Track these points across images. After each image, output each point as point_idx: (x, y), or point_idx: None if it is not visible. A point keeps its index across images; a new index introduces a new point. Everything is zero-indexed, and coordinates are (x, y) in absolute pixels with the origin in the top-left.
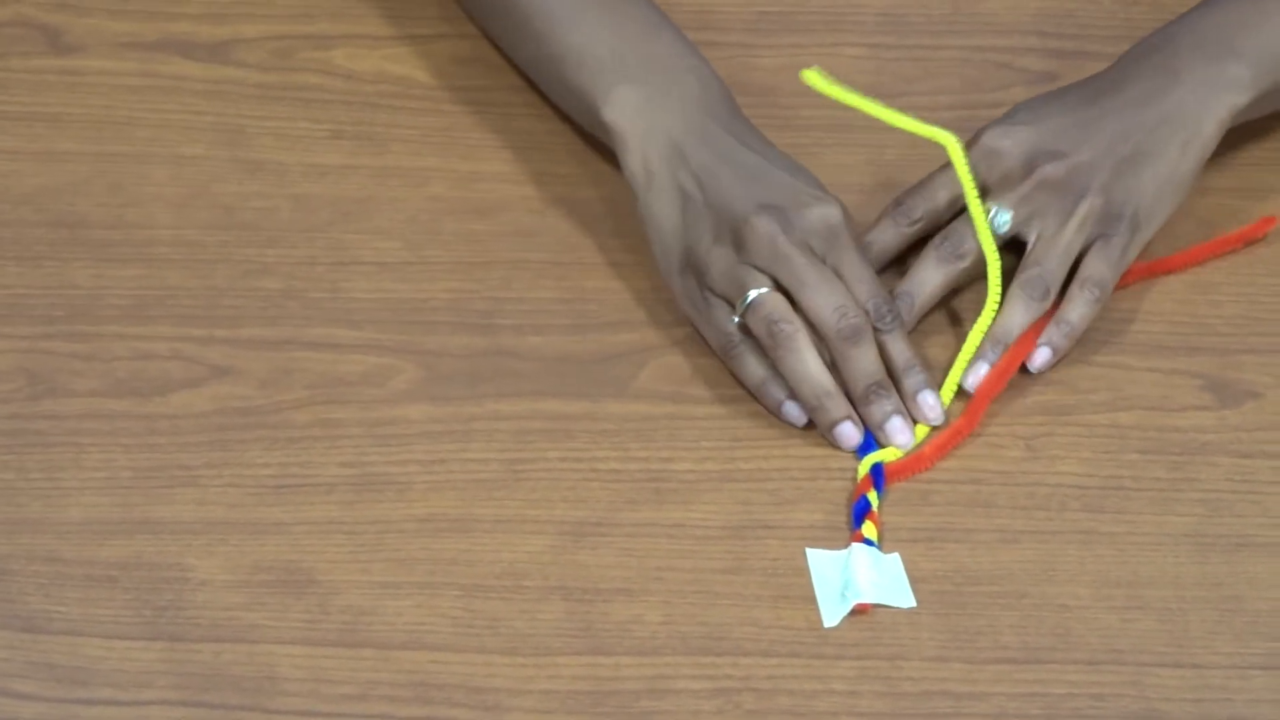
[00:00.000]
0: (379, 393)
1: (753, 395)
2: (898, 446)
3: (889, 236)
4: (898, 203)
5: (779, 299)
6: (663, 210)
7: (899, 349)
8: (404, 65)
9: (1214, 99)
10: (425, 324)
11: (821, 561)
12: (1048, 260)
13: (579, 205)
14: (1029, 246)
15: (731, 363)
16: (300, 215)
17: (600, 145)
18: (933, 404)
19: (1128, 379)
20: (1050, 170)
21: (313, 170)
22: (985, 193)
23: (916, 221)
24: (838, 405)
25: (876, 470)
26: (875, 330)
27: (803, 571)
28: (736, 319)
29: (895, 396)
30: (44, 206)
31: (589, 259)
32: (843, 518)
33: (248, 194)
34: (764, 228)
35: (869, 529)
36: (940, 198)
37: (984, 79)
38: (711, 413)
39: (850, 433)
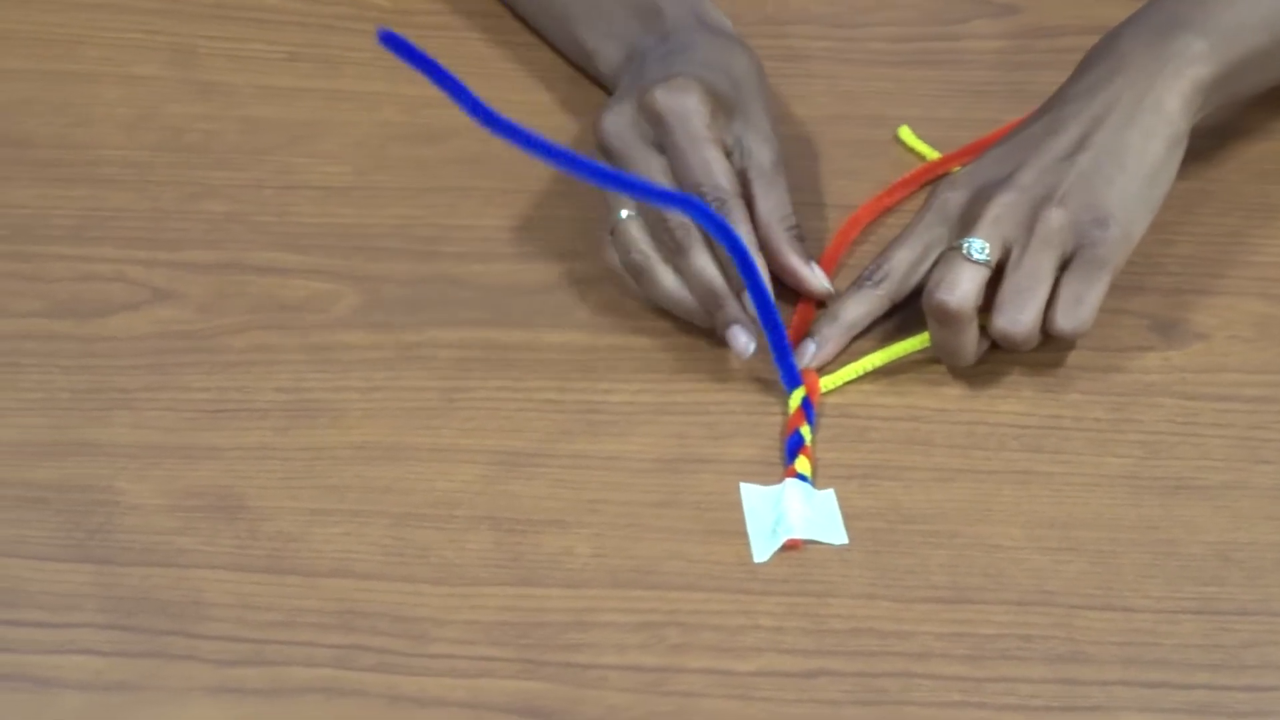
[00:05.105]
0: (320, 318)
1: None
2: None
3: (862, 304)
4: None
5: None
6: None
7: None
8: None
9: (1169, 74)
10: (370, 250)
11: (754, 496)
12: (1017, 276)
13: None
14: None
15: (642, 279)
16: (249, 138)
17: (549, 75)
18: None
19: None
20: (1002, 197)
21: (264, 92)
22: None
23: (880, 282)
24: (732, 308)
25: (806, 404)
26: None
27: (735, 506)
28: (624, 213)
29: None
30: None
31: (535, 187)
32: (778, 453)
33: (197, 115)
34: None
35: (802, 464)
36: (902, 257)
37: (944, 10)
38: (650, 345)
39: (742, 336)
